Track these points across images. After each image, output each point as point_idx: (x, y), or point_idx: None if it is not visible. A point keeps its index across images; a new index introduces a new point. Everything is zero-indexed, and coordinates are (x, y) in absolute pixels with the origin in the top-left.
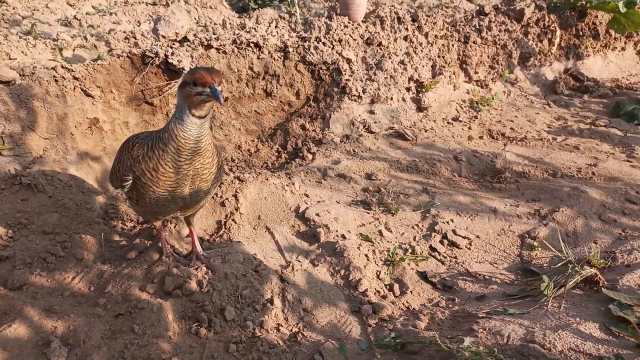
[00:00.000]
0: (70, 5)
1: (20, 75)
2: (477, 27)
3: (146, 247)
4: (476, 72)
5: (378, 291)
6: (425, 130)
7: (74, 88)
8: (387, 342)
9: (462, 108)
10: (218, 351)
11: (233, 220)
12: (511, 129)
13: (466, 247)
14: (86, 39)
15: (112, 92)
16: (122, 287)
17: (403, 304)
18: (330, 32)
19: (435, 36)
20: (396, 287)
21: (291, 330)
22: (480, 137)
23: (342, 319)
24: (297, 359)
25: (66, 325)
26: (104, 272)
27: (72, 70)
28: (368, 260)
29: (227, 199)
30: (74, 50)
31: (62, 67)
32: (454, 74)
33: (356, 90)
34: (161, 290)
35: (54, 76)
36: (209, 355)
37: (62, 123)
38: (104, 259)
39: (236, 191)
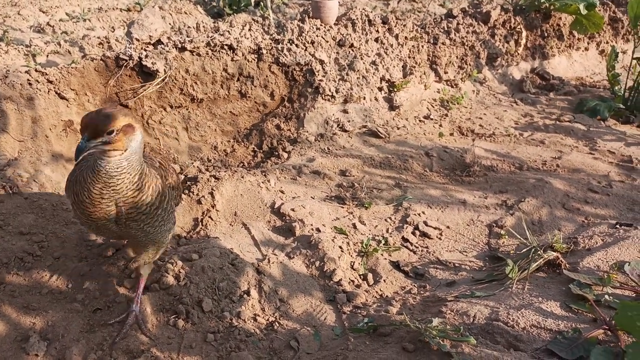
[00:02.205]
0: (43, 12)
1: None
2: (446, 29)
3: (122, 245)
4: (446, 72)
5: (352, 281)
6: (398, 128)
7: (48, 91)
8: (360, 326)
9: (433, 107)
10: (196, 341)
11: (210, 217)
12: (480, 125)
13: (437, 237)
14: (60, 44)
15: (86, 94)
16: (99, 283)
17: (376, 292)
18: (303, 34)
19: (406, 37)
20: (370, 276)
21: (268, 319)
22: (451, 134)
23: (317, 307)
24: (274, 346)
25: (45, 320)
26: (81, 270)
27: (46, 74)
28: (342, 251)
29: (203, 196)
30: (47, 56)
31: (36, 70)
32: (424, 74)
33: (329, 90)
34: None
35: (28, 79)
36: (187, 346)
37: (36, 125)
38: (81, 257)
39: (212, 189)
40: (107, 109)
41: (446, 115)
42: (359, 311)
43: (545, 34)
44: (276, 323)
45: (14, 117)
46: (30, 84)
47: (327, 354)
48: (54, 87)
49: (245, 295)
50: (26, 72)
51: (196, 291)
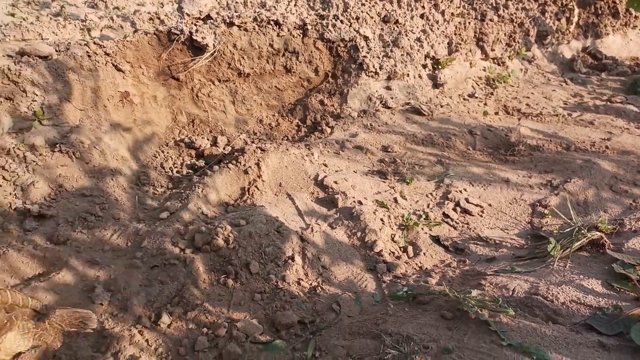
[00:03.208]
0: None
1: (56, 50)
2: (494, 5)
3: (176, 209)
4: (493, 50)
5: (392, 252)
6: (441, 106)
7: (106, 63)
8: (400, 294)
9: (478, 85)
10: (244, 299)
11: (256, 187)
12: (527, 105)
13: (478, 214)
14: (112, 19)
15: (141, 67)
16: (156, 243)
17: (416, 264)
18: (348, 10)
19: (452, 14)
20: (410, 249)
21: (311, 284)
22: (496, 113)
23: (358, 275)
24: (317, 308)
25: (107, 274)
26: (139, 230)
27: (104, 47)
28: (383, 224)
29: (250, 167)
30: (101, 30)
31: (95, 43)
32: (470, 51)
33: (373, 66)
34: (192, 245)
35: (87, 52)
36: (236, 303)
37: (95, 96)
38: (138, 219)
39: (258, 160)
40: None
41: (492, 93)
42: (399, 281)
43: (599, 12)
44: (319, 287)
45: (76, 87)
46: (89, 56)
47: (367, 318)
48: (111, 60)
49: (289, 261)
50: (85, 44)
51: (244, 254)
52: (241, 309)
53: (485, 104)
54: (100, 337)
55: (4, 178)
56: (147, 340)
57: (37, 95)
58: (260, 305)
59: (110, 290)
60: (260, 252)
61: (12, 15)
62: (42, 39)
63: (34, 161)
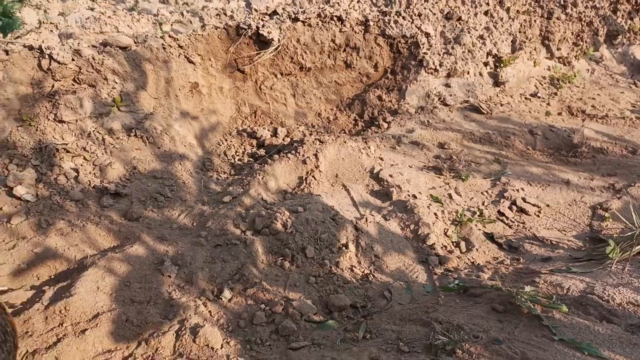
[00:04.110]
0: None
1: (134, 42)
2: (562, 3)
3: (238, 193)
4: (559, 49)
5: (445, 246)
6: (501, 105)
7: (179, 55)
8: (451, 286)
9: (541, 84)
10: (300, 281)
11: (313, 176)
12: (592, 106)
13: (535, 214)
14: (182, 14)
15: (210, 59)
16: (219, 224)
17: (468, 259)
18: (411, 7)
19: (517, 11)
20: (462, 244)
21: (363, 271)
22: (559, 114)
23: (409, 266)
24: (368, 294)
25: (175, 250)
26: (204, 212)
27: (177, 39)
28: (437, 218)
29: (308, 157)
30: (172, 25)
31: (169, 36)
32: (534, 49)
33: (433, 63)
34: (252, 228)
35: (162, 44)
36: (291, 284)
37: (168, 85)
38: (203, 202)
39: (317, 151)
40: None
41: (555, 94)
42: (450, 274)
43: None
44: (371, 275)
45: (151, 77)
46: (164, 48)
47: (418, 306)
48: (184, 52)
49: (343, 248)
50: (161, 37)
51: (301, 239)
52: (296, 290)
53: (548, 104)
54: (168, 305)
55: (84, 158)
56: (210, 312)
57: (116, 83)
58: (314, 287)
59: (177, 264)
60: (316, 238)
61: (92, 9)
62: (118, 31)
63: (111, 144)
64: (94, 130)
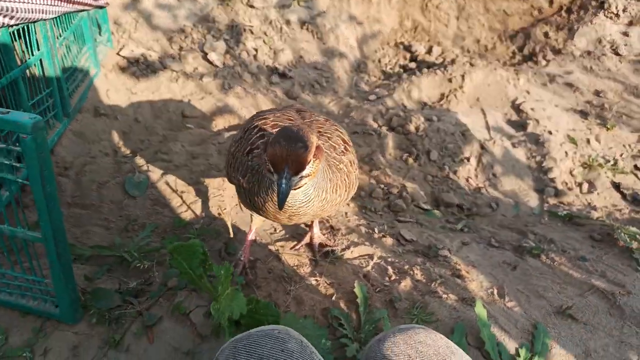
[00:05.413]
0: None
1: None
2: None
3: (383, 95)
4: None
5: (566, 182)
6: None
7: None
8: (558, 212)
9: None
10: (418, 177)
11: (455, 95)
12: None
13: None
14: None
15: None
16: (361, 115)
17: (586, 200)
18: None
19: None
20: (585, 186)
21: (477, 184)
22: None
23: (523, 191)
24: (476, 202)
25: None
26: (350, 104)
27: None
28: (566, 156)
29: (454, 76)
30: None
31: None
32: None
33: (616, 7)
34: (388, 125)
35: None
36: (410, 177)
37: None
38: (351, 96)
39: (464, 72)
40: (298, 130)
41: None
42: (562, 206)
43: None
44: (483, 189)
45: None
46: None
47: (519, 220)
48: None
49: (465, 160)
50: None
51: (428, 143)
52: (413, 182)
53: None
54: None
55: (264, 41)
56: None
57: None
58: (429, 185)
59: None
60: (442, 146)
61: None
62: None
63: (286, 33)
64: (275, 19)
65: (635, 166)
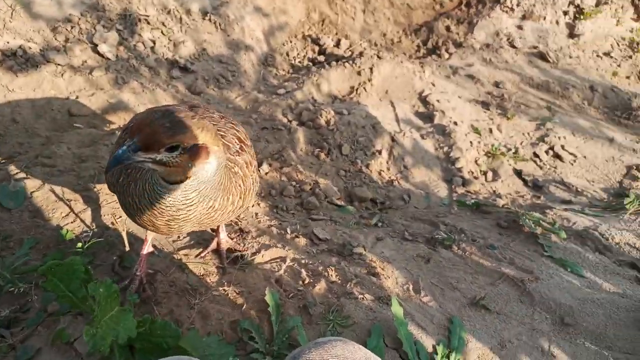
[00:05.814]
0: None
1: None
2: None
3: (292, 89)
4: None
5: (472, 172)
6: (570, 57)
7: None
8: (466, 201)
9: (618, 45)
10: (330, 172)
11: (364, 88)
12: None
13: (570, 162)
14: None
15: None
16: (270, 110)
17: (491, 187)
18: None
19: None
20: (489, 174)
21: (389, 177)
22: (627, 77)
23: (433, 181)
24: (389, 194)
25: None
26: (258, 98)
27: None
28: (471, 146)
29: (363, 69)
30: None
31: None
32: (621, 7)
33: (511, 2)
34: (298, 119)
35: None
36: (323, 173)
37: None
38: (259, 90)
39: (373, 65)
40: (180, 112)
41: (630, 57)
42: (469, 195)
43: None
44: (396, 181)
45: None
46: None
47: (431, 211)
48: None
49: (377, 153)
50: None
51: (339, 137)
52: (326, 178)
53: (619, 66)
54: None
55: (162, 32)
56: None
57: None
58: (342, 180)
59: None
60: (353, 139)
61: None
62: None
63: (187, 23)
64: (174, 8)
65: (535, 153)
